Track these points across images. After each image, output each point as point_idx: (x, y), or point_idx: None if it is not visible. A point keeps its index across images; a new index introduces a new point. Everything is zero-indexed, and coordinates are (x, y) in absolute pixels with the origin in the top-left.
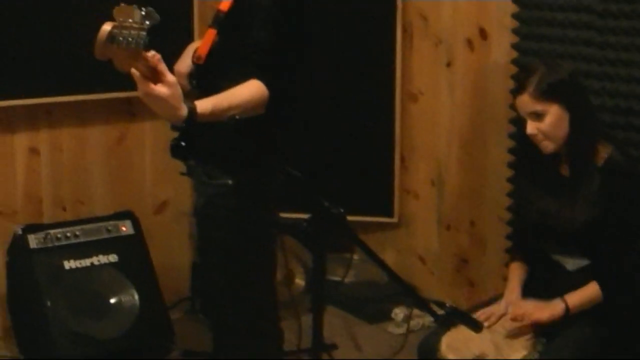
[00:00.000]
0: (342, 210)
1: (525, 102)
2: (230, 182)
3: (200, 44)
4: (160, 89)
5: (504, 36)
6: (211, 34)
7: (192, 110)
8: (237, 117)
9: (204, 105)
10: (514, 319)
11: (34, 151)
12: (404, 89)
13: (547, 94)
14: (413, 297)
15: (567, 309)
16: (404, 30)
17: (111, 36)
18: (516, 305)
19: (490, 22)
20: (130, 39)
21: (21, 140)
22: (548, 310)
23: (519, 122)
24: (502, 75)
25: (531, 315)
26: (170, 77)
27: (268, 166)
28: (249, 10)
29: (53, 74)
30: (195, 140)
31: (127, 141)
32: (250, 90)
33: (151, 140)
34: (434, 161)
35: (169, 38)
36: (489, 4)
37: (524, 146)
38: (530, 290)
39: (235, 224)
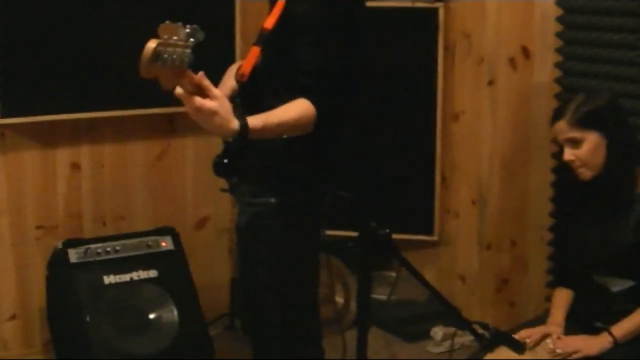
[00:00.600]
0: (388, 231)
1: (562, 129)
2: (273, 200)
3: (244, 62)
4: (208, 102)
5: (547, 55)
6: (255, 52)
7: (244, 125)
8: (284, 136)
9: (254, 120)
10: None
11: (75, 166)
12: (445, 108)
13: (584, 121)
14: (456, 317)
15: (615, 341)
16: (446, 49)
17: (156, 54)
18: (563, 343)
19: (533, 41)
20: (174, 57)
21: (63, 155)
22: (596, 345)
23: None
24: (545, 95)
25: (579, 351)
26: (216, 91)
27: (313, 185)
28: (295, 28)
29: (95, 89)
30: (239, 159)
31: (168, 157)
32: (299, 109)
33: (192, 155)
34: (475, 180)
35: (211, 55)
36: (532, 23)
37: (564, 171)
38: (574, 313)
39: (278, 243)
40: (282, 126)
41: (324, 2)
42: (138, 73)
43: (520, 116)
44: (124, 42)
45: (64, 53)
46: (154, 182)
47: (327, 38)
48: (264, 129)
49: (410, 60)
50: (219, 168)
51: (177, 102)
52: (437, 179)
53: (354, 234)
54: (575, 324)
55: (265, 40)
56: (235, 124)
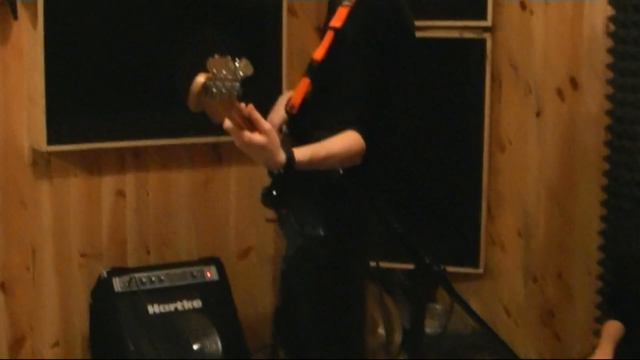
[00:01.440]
0: (443, 268)
1: None
2: (321, 232)
3: (294, 93)
4: (257, 137)
5: (595, 86)
6: (305, 83)
7: (290, 157)
8: (340, 171)
9: (302, 153)
10: None
11: (120, 194)
12: (492, 138)
13: None
14: (503, 351)
15: None
16: (494, 79)
17: (205, 88)
18: None
19: (581, 72)
20: (223, 91)
21: (108, 183)
22: None
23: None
24: (593, 126)
25: None
26: (266, 125)
27: (361, 217)
28: (345, 60)
29: (140, 117)
30: (287, 190)
31: (212, 185)
32: (348, 140)
33: (236, 185)
34: (521, 211)
35: (258, 87)
36: (580, 53)
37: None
38: (624, 349)
39: (325, 274)
40: (330, 159)
41: (372, 33)
42: (187, 106)
43: (568, 147)
44: (170, 70)
45: (110, 81)
46: (198, 210)
47: (375, 70)
48: (311, 161)
49: (458, 91)
50: (267, 199)
51: (222, 131)
52: (483, 209)
53: (398, 264)
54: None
55: (315, 71)
56: (282, 157)
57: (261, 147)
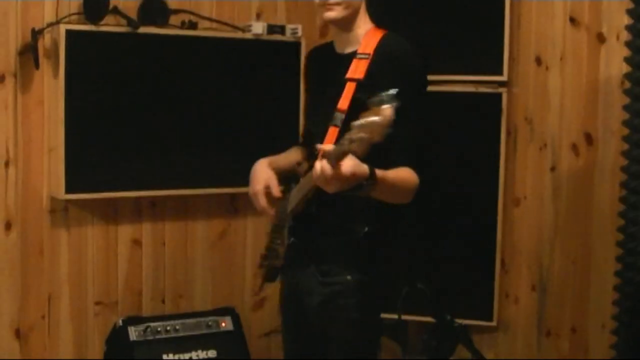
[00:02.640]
0: (464, 325)
1: None
2: (349, 278)
3: (325, 143)
4: (344, 166)
5: (611, 142)
6: (334, 132)
7: (372, 170)
8: (366, 228)
9: (379, 172)
10: None
11: (136, 243)
12: (507, 192)
13: None
14: None
15: None
16: (509, 133)
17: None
18: None
19: (596, 128)
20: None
21: (125, 232)
22: None
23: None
24: (608, 181)
25: None
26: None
27: (386, 263)
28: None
29: (157, 167)
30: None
31: (228, 236)
32: (409, 173)
33: (252, 236)
34: (536, 265)
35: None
36: (596, 109)
37: None
38: None
39: (354, 321)
40: (397, 185)
41: (400, 77)
42: None
43: (582, 202)
44: (186, 122)
45: (128, 131)
46: (214, 261)
47: (411, 111)
48: (384, 179)
49: (473, 145)
50: (274, 274)
51: (239, 182)
52: (497, 263)
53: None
54: None
55: (342, 120)
56: (365, 167)
57: (352, 174)
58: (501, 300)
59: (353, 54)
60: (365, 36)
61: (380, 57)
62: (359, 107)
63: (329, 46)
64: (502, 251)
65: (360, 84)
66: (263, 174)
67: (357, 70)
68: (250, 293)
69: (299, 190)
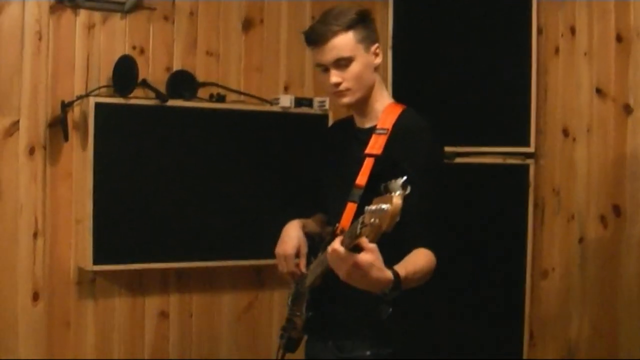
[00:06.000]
0: None
1: None
2: (368, 353)
3: (343, 219)
4: (365, 257)
5: (638, 213)
6: (352, 208)
7: (396, 274)
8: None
9: (399, 268)
10: None
11: (163, 314)
12: (535, 264)
13: None
14: None
15: None
16: (536, 205)
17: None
18: None
19: (624, 199)
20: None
21: (151, 303)
22: None
23: None
24: (637, 254)
25: None
26: (371, 245)
27: (406, 337)
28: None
29: (185, 239)
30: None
31: (255, 309)
32: (426, 256)
33: (279, 308)
34: (564, 339)
35: None
36: (623, 181)
37: None
38: None
39: None
40: (418, 274)
41: (418, 154)
42: None
43: (610, 274)
44: (213, 194)
45: (156, 203)
46: (240, 333)
47: (428, 188)
48: (406, 278)
49: (500, 216)
50: (294, 345)
51: (265, 254)
52: (526, 335)
53: None
54: None
55: (360, 196)
56: (389, 273)
57: (370, 266)
58: None
59: (372, 130)
60: (384, 111)
61: (399, 133)
62: (377, 182)
63: (350, 120)
64: (530, 323)
65: (378, 160)
66: (295, 238)
67: (375, 145)
68: None
69: (317, 265)
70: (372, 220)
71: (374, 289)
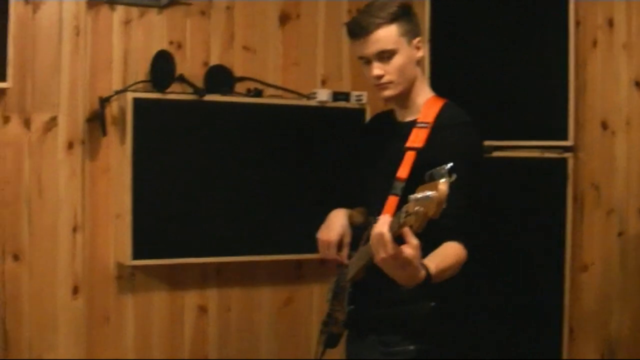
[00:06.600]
0: None
1: None
2: (412, 348)
3: (384, 212)
4: (408, 250)
5: None
6: (393, 201)
7: (428, 271)
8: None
9: (431, 265)
10: None
11: (202, 309)
12: (574, 259)
13: None
14: None
15: None
16: (575, 199)
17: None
18: None
19: None
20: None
21: (190, 298)
22: None
23: None
24: None
25: None
26: (414, 241)
27: (449, 331)
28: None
29: (224, 233)
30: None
31: (294, 303)
32: (457, 251)
33: (318, 302)
34: (604, 334)
35: None
36: None
37: None
38: None
39: None
40: (448, 270)
41: (459, 148)
42: None
43: None
44: (251, 188)
45: (194, 197)
46: (280, 327)
47: (467, 182)
48: (437, 276)
49: (538, 211)
50: (334, 340)
51: (304, 249)
52: (565, 330)
53: None
54: None
55: (401, 189)
56: (423, 272)
57: (409, 262)
58: None
59: (413, 123)
60: (425, 105)
61: (440, 127)
62: (418, 176)
63: (389, 114)
64: (570, 319)
65: (419, 153)
66: (340, 226)
67: (417, 139)
68: None
69: (358, 259)
70: (417, 208)
71: (402, 282)
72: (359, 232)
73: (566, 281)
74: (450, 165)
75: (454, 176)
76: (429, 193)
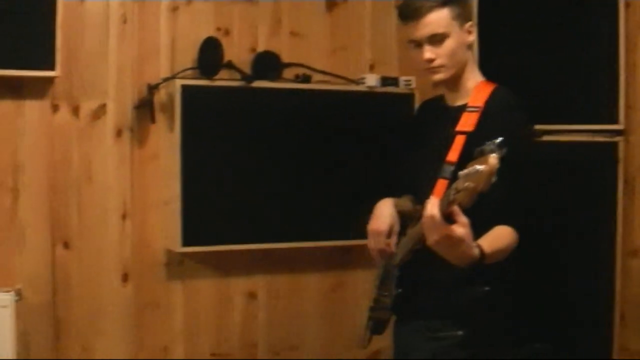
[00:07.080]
0: None
1: None
2: (460, 333)
3: (435, 195)
4: (459, 230)
5: None
6: (443, 184)
7: (482, 250)
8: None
9: (484, 244)
10: None
11: (251, 295)
12: (625, 243)
13: None
14: None
15: None
16: (626, 182)
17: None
18: None
19: None
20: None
21: (239, 284)
22: None
23: None
24: None
25: None
26: (464, 219)
27: (497, 317)
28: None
29: (272, 220)
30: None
31: (342, 289)
32: (510, 234)
33: (365, 289)
34: None
35: None
36: None
37: None
38: None
39: None
40: (501, 252)
41: (511, 131)
42: None
43: None
44: (300, 174)
45: (243, 183)
46: (328, 313)
47: (517, 165)
48: (491, 255)
49: (589, 194)
50: (381, 327)
51: (353, 234)
52: (617, 317)
53: None
54: None
55: (451, 172)
56: (476, 250)
57: (461, 241)
58: (621, 355)
59: (463, 107)
60: (475, 89)
61: (491, 110)
62: (468, 159)
63: (440, 99)
64: (621, 304)
65: (470, 136)
66: (389, 216)
67: (467, 122)
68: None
69: (406, 243)
70: (466, 184)
71: (456, 262)
72: (407, 220)
73: (617, 266)
74: (500, 139)
75: (505, 150)
76: (478, 167)
